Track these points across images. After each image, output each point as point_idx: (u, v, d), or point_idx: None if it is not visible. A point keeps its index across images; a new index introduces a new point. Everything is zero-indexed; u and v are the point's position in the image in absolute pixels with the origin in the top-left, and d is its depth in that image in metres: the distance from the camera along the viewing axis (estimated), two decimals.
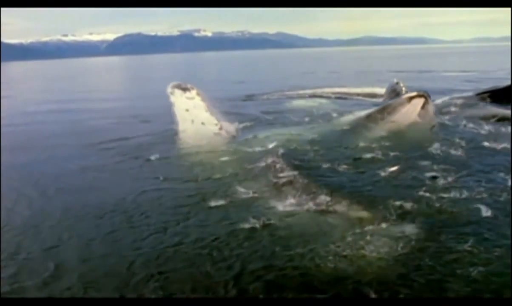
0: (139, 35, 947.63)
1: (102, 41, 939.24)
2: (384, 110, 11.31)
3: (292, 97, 20.83)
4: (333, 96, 20.89)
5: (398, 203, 6.45)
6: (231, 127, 12.13)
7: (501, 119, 12.20)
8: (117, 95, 29.03)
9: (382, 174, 7.91)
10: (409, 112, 11.03)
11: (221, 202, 6.88)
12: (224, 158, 9.53)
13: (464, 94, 17.45)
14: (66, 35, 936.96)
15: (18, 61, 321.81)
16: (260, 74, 48.94)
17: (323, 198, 6.70)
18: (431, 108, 11.53)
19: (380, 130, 10.82)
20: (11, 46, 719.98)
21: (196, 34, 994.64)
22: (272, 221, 6.10)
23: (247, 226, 5.97)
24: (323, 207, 6.49)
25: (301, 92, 22.52)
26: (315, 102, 18.74)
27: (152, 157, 9.87)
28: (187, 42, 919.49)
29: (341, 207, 6.42)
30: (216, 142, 10.96)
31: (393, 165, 8.22)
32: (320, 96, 20.83)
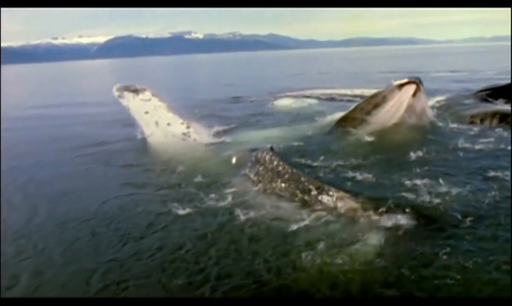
0: (129, 37, 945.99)
1: (93, 44, 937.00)
2: (373, 100, 10.45)
3: (279, 99, 20.45)
4: (322, 97, 20.53)
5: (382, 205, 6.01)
6: (202, 129, 11.67)
7: (502, 118, 11.77)
8: (103, 99, 28.60)
9: (364, 177, 7.50)
10: (400, 101, 10.17)
11: (187, 210, 6.56)
12: (195, 163, 9.15)
13: (463, 93, 17.11)
14: (56, 38, 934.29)
15: (8, 65, 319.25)
16: (250, 76, 48.68)
17: (293, 206, 6.35)
18: (423, 95, 10.58)
19: (365, 129, 10.28)
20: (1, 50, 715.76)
21: (187, 36, 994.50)
22: (242, 228, 5.89)
23: (213, 233, 5.80)
24: (289, 214, 6.16)
25: (289, 93, 22.15)
26: (303, 103, 18.50)
27: (124, 163, 9.55)
28: (178, 44, 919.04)
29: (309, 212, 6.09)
30: (187, 146, 10.53)
31: (375, 170, 7.79)
32: (309, 97, 20.50)
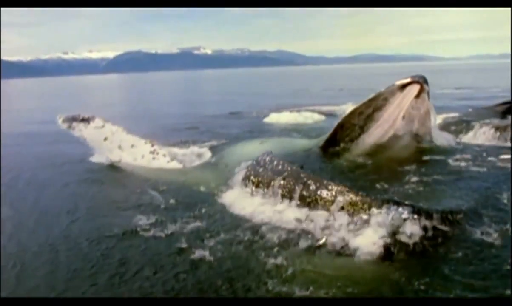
0: (139, 52, 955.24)
1: (102, 59, 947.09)
2: (373, 103, 9.15)
3: (279, 113, 20.23)
4: (324, 112, 20.28)
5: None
6: (169, 149, 11.52)
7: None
8: (105, 114, 28.50)
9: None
10: (403, 103, 9.11)
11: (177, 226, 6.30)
12: (177, 181, 8.83)
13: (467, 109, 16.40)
14: (66, 53, 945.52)
15: (17, 79, 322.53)
16: (255, 92, 48.80)
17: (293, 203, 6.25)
18: (427, 97, 9.32)
19: (361, 145, 9.37)
20: (10, 64, 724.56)
21: (196, 51, 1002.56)
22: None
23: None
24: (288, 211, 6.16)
25: (291, 108, 21.83)
26: (303, 119, 18.47)
27: (95, 184, 9.19)
28: (187, 60, 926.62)
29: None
30: (156, 167, 10.19)
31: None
32: (311, 111, 20.27)
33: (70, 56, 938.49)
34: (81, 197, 8.26)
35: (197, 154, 11.42)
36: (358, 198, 5.66)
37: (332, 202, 5.79)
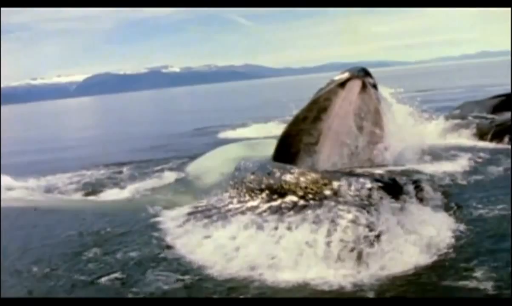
0: (107, 74, 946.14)
1: (71, 83, 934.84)
2: (315, 106, 7.93)
3: (241, 128, 20.43)
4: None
5: None
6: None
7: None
8: (76, 138, 28.02)
9: None
10: (347, 102, 7.86)
11: None
12: None
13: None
14: (35, 79, 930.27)
15: None
16: (220, 107, 48.71)
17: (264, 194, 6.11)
18: (374, 92, 8.01)
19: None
20: None
21: (164, 70, 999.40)
22: None
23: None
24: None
25: (257, 121, 21.70)
26: (265, 132, 18.05)
27: None
28: (156, 79, 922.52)
29: None
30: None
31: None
32: (281, 121, 20.11)
33: (39, 81, 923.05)
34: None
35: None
36: (319, 176, 5.65)
37: (296, 184, 5.73)
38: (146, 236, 6.33)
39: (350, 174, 5.66)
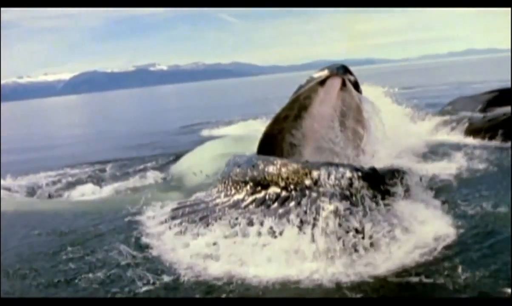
0: (95, 72, 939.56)
1: (59, 81, 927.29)
2: (295, 104, 7.72)
3: (227, 126, 20.45)
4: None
5: None
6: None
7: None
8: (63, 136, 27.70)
9: None
10: (327, 101, 7.67)
11: None
12: None
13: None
14: (21, 77, 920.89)
15: None
16: (207, 105, 48.59)
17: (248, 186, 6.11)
18: (354, 89, 7.70)
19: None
20: None
21: (152, 68, 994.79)
22: None
23: None
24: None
25: (243, 119, 21.66)
26: (250, 129, 18.01)
27: None
28: (144, 77, 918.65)
29: None
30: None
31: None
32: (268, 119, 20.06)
33: (25, 80, 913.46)
34: None
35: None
36: (299, 166, 5.60)
37: (278, 175, 5.71)
38: (127, 235, 6.24)
39: (331, 164, 5.59)
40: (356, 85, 7.64)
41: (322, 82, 7.47)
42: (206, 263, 5.10)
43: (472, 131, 11.66)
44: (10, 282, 5.25)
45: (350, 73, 7.59)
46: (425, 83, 42.73)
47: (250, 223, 5.46)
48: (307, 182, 5.46)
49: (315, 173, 5.44)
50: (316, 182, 5.39)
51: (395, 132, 9.11)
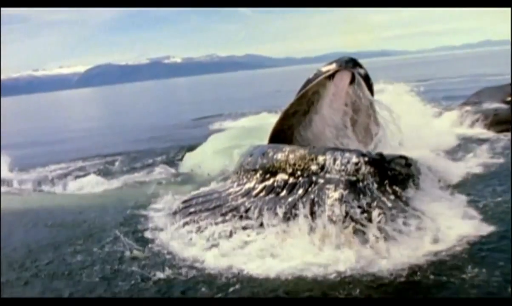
0: (108, 65, 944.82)
1: (74, 74, 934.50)
2: (304, 100, 7.45)
3: (238, 118, 20.39)
4: None
5: None
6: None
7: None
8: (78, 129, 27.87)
9: None
10: (336, 95, 7.34)
11: None
12: None
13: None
14: (36, 70, 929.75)
15: None
16: (219, 97, 48.53)
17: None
18: (364, 83, 7.30)
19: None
20: None
21: (166, 61, 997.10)
22: None
23: None
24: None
25: (257, 111, 21.58)
26: (261, 122, 17.91)
27: None
28: (157, 70, 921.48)
29: None
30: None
31: None
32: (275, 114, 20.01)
33: (41, 73, 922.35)
34: None
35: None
36: (306, 152, 5.63)
37: (286, 161, 5.74)
38: (133, 229, 6.24)
39: (337, 149, 5.62)
40: (366, 79, 7.27)
41: (331, 76, 7.14)
42: (212, 256, 5.06)
43: (497, 122, 11.23)
44: (15, 274, 5.28)
45: (360, 66, 7.21)
46: (441, 75, 42.13)
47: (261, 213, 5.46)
48: (314, 167, 5.47)
49: (321, 158, 5.45)
50: (322, 167, 5.39)
51: (418, 134, 8.83)
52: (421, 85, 11.90)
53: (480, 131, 11.30)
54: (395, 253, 4.70)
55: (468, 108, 12.80)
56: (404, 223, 5.06)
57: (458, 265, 4.52)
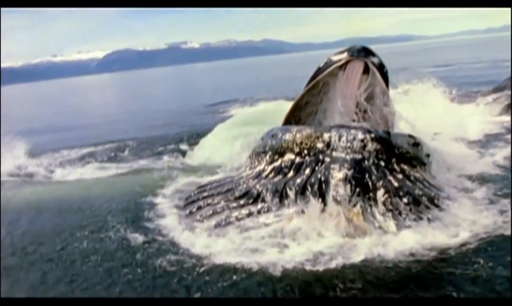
0: (127, 51, 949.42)
1: (92, 59, 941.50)
2: (314, 91, 7.30)
3: (256, 103, 20.28)
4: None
5: None
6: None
7: None
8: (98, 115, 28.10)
9: None
10: (350, 86, 6.90)
11: None
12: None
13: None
14: (55, 56, 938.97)
15: (8, 85, 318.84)
16: (237, 83, 48.41)
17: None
18: (379, 75, 6.86)
19: None
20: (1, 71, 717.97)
21: (184, 46, 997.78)
22: None
23: None
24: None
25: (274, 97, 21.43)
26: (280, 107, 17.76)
27: None
28: (175, 55, 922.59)
29: None
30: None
31: None
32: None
33: (59, 58, 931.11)
34: None
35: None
36: (312, 130, 5.60)
37: (293, 141, 5.70)
38: (139, 214, 6.23)
39: (343, 126, 5.54)
40: (381, 67, 6.90)
41: (344, 66, 6.87)
42: (221, 247, 4.99)
43: None
44: (18, 260, 5.33)
45: (373, 54, 6.86)
46: (462, 60, 41.25)
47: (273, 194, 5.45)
48: (320, 145, 5.41)
49: (326, 136, 5.38)
50: (328, 145, 5.32)
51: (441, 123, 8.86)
52: (439, 72, 11.55)
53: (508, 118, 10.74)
54: (402, 237, 4.68)
55: (496, 95, 12.41)
56: (409, 205, 5.04)
57: (464, 255, 4.43)
